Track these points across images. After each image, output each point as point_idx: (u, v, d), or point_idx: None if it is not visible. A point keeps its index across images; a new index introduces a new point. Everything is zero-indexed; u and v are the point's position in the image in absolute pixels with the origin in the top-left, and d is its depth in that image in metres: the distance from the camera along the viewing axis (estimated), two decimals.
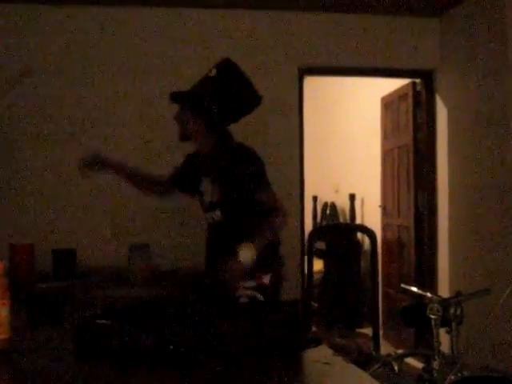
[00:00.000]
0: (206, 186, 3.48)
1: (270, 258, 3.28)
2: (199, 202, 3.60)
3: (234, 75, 3.46)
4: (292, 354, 1.97)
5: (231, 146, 3.43)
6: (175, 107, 3.51)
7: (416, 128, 6.00)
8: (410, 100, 6.04)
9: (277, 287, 3.34)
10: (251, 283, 3.19)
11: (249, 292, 3.26)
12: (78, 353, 2.03)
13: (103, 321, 2.05)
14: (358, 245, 7.41)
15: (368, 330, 6.40)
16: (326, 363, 1.91)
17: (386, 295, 6.74)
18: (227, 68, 3.46)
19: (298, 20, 5.45)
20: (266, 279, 3.27)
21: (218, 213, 3.41)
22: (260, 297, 3.21)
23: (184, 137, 3.45)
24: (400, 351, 3.31)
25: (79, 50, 5.22)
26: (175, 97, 3.47)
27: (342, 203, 7.97)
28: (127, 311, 2.20)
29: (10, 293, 2.16)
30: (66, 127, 5.19)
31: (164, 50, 5.32)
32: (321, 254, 7.35)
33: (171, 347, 1.90)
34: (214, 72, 3.39)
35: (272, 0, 5.22)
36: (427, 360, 2.82)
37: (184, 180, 3.72)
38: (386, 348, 5.86)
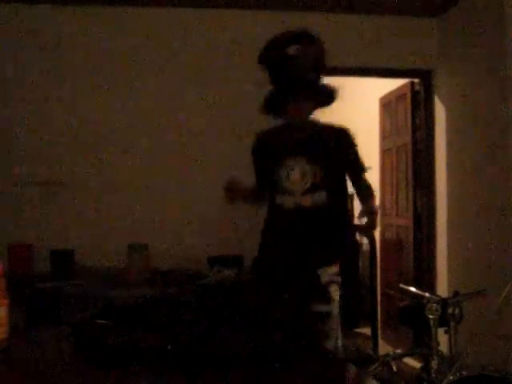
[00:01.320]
0: (295, 165, 3.30)
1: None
2: (275, 185, 3.40)
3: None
4: (290, 359, 1.97)
5: (329, 124, 3.46)
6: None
7: (414, 128, 6.00)
8: (409, 100, 6.05)
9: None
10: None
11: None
12: (75, 352, 2.02)
13: (101, 321, 2.05)
14: (357, 245, 7.39)
15: (366, 330, 6.39)
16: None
17: (384, 295, 6.74)
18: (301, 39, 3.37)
19: (295, 20, 5.44)
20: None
21: (321, 195, 3.27)
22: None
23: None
24: (398, 351, 3.31)
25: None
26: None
27: None
28: (125, 311, 2.20)
29: (8, 293, 2.16)
30: (69, 128, 5.20)
31: (161, 49, 5.33)
32: None
33: (169, 347, 1.90)
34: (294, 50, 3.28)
35: (269, 0, 5.23)
36: (425, 360, 2.81)
37: (264, 176, 3.55)
38: (384, 348, 5.86)
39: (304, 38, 3.34)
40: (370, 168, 3.40)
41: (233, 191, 3.60)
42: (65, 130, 5.17)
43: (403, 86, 6.18)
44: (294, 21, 5.43)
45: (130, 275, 4.22)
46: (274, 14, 5.41)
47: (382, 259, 6.79)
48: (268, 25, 5.42)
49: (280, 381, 1.78)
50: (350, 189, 3.65)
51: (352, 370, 1.97)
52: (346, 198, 3.42)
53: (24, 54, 5.14)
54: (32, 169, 5.07)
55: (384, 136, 6.80)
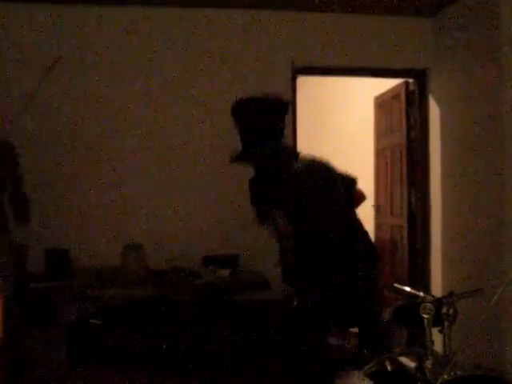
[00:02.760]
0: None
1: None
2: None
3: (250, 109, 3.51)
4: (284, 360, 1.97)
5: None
6: None
7: (409, 127, 6.01)
8: (403, 100, 6.06)
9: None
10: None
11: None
12: (70, 351, 2.02)
13: (96, 320, 2.05)
14: None
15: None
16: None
17: None
18: (241, 108, 3.54)
19: (291, 20, 5.45)
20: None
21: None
22: None
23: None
24: (393, 350, 3.31)
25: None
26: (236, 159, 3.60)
27: None
28: (120, 311, 2.20)
29: (2, 292, 2.16)
30: (65, 128, 5.19)
31: (158, 49, 5.32)
32: None
33: (164, 346, 1.90)
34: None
35: (266, 0, 5.23)
36: (420, 359, 2.82)
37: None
38: None
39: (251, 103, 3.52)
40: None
41: None
42: (61, 130, 5.15)
43: (398, 85, 6.19)
44: (288, 20, 5.47)
45: (125, 275, 4.21)
46: (268, 13, 5.41)
47: None
48: (262, 24, 5.46)
49: (275, 380, 1.78)
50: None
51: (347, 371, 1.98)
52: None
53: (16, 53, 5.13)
54: (28, 168, 5.06)
55: (379, 135, 6.82)
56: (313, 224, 3.36)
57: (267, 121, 3.46)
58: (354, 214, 3.63)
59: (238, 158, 3.59)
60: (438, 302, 2.81)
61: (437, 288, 5.46)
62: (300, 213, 3.36)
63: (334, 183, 3.50)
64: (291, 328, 3.06)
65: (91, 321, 2.02)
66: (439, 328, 2.82)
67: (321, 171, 3.48)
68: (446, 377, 2.63)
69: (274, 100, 3.52)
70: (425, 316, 2.77)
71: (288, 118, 5.34)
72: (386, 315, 3.35)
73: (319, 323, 3.22)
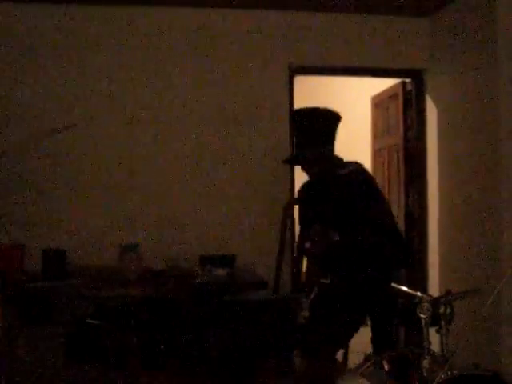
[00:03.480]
0: None
1: None
2: None
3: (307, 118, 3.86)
4: (283, 354, 1.97)
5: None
6: None
7: (406, 127, 6.01)
8: (400, 100, 6.05)
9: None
10: None
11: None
12: (68, 352, 2.02)
13: (93, 321, 2.05)
14: None
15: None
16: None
17: None
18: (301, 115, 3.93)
19: (288, 19, 5.45)
20: None
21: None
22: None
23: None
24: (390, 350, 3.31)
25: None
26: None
27: None
28: (117, 311, 2.20)
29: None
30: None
31: (154, 49, 5.32)
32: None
33: (162, 347, 1.90)
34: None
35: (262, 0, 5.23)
36: (417, 359, 2.82)
37: None
38: None
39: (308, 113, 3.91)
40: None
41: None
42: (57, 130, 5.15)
43: (395, 85, 6.19)
44: (285, 20, 5.47)
45: (122, 275, 4.21)
46: (265, 13, 5.41)
47: None
48: (258, 24, 5.46)
49: (271, 379, 1.78)
50: None
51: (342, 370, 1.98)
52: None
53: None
54: (24, 166, 5.06)
55: (376, 135, 6.81)
56: (375, 219, 3.53)
57: (323, 128, 3.82)
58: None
59: (292, 160, 4.11)
60: (435, 302, 2.81)
61: (434, 288, 5.46)
62: (355, 210, 3.53)
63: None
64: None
65: (88, 321, 2.02)
66: (436, 328, 2.82)
67: (370, 173, 3.83)
68: (443, 376, 2.63)
69: (330, 111, 3.92)
70: (422, 316, 2.77)
71: (285, 117, 5.44)
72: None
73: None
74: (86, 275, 4.30)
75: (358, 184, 3.61)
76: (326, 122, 3.87)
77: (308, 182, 3.95)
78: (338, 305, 3.43)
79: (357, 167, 3.74)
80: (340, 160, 3.82)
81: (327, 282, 3.40)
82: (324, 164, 3.73)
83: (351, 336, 3.54)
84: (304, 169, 3.82)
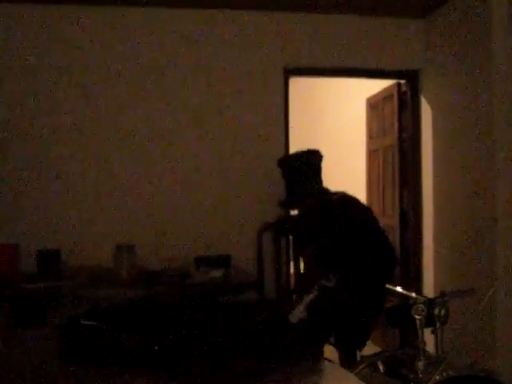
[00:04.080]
0: None
1: None
2: None
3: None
4: (277, 355, 1.97)
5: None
6: None
7: (401, 128, 6.02)
8: (395, 101, 6.07)
9: None
10: None
11: None
12: (62, 353, 2.01)
13: (88, 321, 2.04)
14: None
15: None
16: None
17: None
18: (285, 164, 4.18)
19: (283, 20, 5.46)
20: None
21: None
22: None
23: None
24: (385, 351, 3.31)
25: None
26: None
27: None
28: (112, 312, 2.19)
29: None
30: (58, 129, 5.18)
31: (151, 50, 5.32)
32: None
33: (156, 348, 1.90)
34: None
35: (257, 0, 5.23)
36: (412, 360, 2.82)
37: None
38: (371, 348, 5.87)
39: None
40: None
41: None
42: (54, 130, 5.14)
43: (390, 86, 6.20)
44: (280, 21, 5.47)
45: (117, 275, 4.20)
46: (260, 14, 5.41)
47: None
48: (253, 25, 5.46)
49: (265, 379, 1.78)
50: None
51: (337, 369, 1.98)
52: None
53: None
54: (19, 166, 5.05)
55: (371, 136, 6.82)
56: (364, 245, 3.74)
57: (307, 166, 4.05)
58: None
59: (286, 204, 4.34)
60: (429, 303, 2.81)
61: (429, 288, 5.48)
62: (343, 235, 3.75)
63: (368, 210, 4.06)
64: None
65: (83, 321, 2.02)
66: (431, 328, 2.82)
67: (355, 199, 4.00)
68: (438, 377, 2.63)
69: (311, 151, 4.11)
70: (417, 317, 2.77)
71: (280, 118, 5.45)
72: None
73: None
74: (81, 276, 4.29)
75: (350, 206, 3.91)
76: (308, 161, 4.09)
77: (298, 214, 4.24)
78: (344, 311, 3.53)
79: (345, 194, 4.00)
80: (328, 190, 4.08)
81: (330, 285, 3.43)
82: (315, 195, 4.01)
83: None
84: (297, 206, 4.19)
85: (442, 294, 2.86)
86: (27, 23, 5.13)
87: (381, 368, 3.00)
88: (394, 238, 6.10)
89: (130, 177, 5.23)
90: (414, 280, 5.72)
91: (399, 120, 6.03)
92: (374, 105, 6.68)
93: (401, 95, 6.01)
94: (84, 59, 5.21)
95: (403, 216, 5.98)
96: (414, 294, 2.88)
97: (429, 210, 5.62)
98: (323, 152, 4.14)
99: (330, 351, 3.50)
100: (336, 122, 8.08)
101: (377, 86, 6.49)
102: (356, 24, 5.56)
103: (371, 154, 6.83)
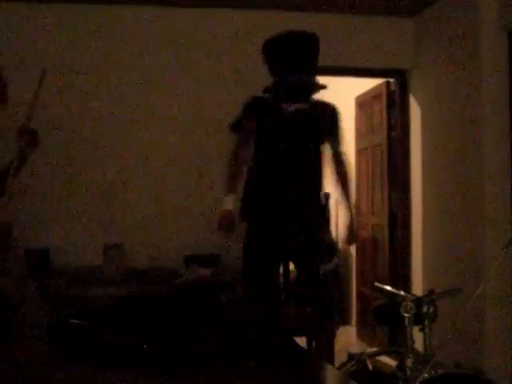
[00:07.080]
0: None
1: None
2: None
3: None
4: (265, 355, 1.97)
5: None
6: None
7: (390, 127, 6.04)
8: (384, 100, 6.08)
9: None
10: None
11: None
12: (50, 352, 2.01)
13: (76, 320, 2.04)
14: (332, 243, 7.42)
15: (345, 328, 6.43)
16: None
17: (359, 294, 6.77)
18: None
19: (271, 19, 5.44)
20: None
21: None
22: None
23: None
24: (374, 349, 3.32)
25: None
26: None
27: None
28: (101, 311, 2.19)
29: None
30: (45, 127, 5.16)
31: (150, 50, 5.31)
32: None
33: (145, 347, 1.89)
34: None
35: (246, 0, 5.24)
36: (401, 358, 2.83)
37: None
38: (360, 346, 5.89)
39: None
40: None
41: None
42: (51, 131, 5.12)
43: (379, 85, 6.21)
44: (268, 20, 5.46)
45: (105, 274, 4.19)
46: (252, 13, 5.41)
47: (357, 258, 6.82)
48: (247, 24, 5.45)
49: (257, 378, 1.78)
50: None
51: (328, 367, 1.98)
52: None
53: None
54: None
55: (359, 135, 6.83)
56: None
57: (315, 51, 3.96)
58: None
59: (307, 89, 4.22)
60: (418, 301, 2.82)
61: (417, 287, 5.49)
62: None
63: None
64: None
65: (71, 321, 2.01)
66: (420, 327, 2.83)
67: None
68: (426, 375, 2.64)
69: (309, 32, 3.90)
70: (405, 315, 2.78)
71: None
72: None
73: None
74: (70, 275, 4.28)
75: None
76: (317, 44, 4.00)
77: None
78: None
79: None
80: None
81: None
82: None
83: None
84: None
85: (431, 293, 2.87)
86: None
87: (370, 366, 3.00)
88: (383, 237, 6.12)
89: (121, 177, 5.21)
90: (402, 279, 5.73)
91: (388, 119, 6.05)
92: (363, 103, 6.69)
93: (390, 94, 6.02)
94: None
95: (392, 215, 5.99)
96: (402, 293, 2.89)
97: (417, 208, 5.64)
98: None
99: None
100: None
101: (366, 84, 6.49)
102: (345, 23, 5.57)
103: (360, 153, 6.84)
